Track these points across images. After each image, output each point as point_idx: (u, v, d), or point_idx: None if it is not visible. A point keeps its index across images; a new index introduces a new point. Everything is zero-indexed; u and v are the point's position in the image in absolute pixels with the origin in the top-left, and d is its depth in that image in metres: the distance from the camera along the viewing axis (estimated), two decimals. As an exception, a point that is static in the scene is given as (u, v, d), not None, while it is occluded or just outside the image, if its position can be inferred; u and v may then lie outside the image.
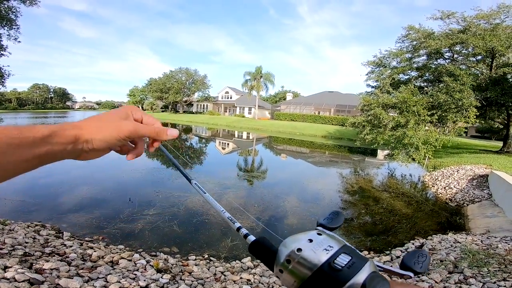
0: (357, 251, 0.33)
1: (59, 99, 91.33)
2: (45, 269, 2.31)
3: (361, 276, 0.29)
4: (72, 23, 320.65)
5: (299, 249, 0.32)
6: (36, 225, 4.01)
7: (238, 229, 0.50)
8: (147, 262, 3.11)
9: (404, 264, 0.33)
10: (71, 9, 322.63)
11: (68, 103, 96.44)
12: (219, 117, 47.39)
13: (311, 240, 0.33)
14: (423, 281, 2.84)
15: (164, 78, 55.71)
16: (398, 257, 3.78)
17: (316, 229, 0.37)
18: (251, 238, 0.44)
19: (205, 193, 0.58)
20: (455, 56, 16.29)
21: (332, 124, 35.64)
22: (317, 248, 0.32)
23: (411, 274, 0.31)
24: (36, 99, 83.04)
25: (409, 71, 17.60)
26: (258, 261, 3.71)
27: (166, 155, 0.79)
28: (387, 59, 17.47)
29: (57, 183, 7.05)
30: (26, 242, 2.93)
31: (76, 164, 9.89)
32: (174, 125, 35.02)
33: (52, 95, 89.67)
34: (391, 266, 0.32)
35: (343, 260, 0.31)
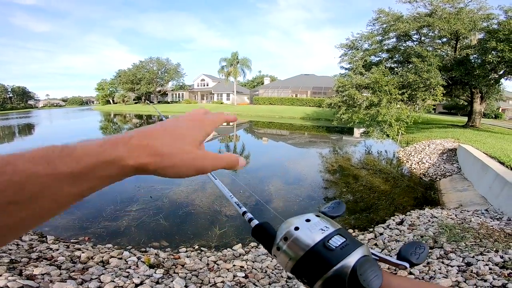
0: (352, 236, 0.33)
1: (20, 99, 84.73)
2: (36, 274, 2.24)
3: (352, 259, 0.29)
4: (24, 18, 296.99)
5: (297, 228, 0.33)
6: (16, 231, 3.82)
7: (244, 213, 0.49)
8: (138, 258, 3.10)
9: (401, 254, 0.33)
10: (21, 3, 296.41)
11: (31, 102, 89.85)
12: (196, 105, 46.39)
13: (308, 220, 0.34)
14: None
15: (134, 69, 53.24)
16: (381, 234, 3.94)
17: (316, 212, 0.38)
18: (255, 222, 0.44)
19: (216, 179, 0.58)
20: (423, 38, 17.09)
21: (310, 106, 36.19)
22: (314, 227, 0.33)
23: (407, 265, 0.32)
24: (-7, 100, 76.50)
25: (380, 53, 18.28)
26: (249, 247, 3.82)
27: None
28: (359, 41, 17.95)
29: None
30: (10, 249, 2.81)
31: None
32: (149, 117, 33.91)
33: (11, 95, 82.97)
34: (390, 256, 0.33)
35: (337, 241, 0.31)
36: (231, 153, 0.39)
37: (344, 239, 0.31)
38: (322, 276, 0.29)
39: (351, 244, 0.31)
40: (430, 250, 3.12)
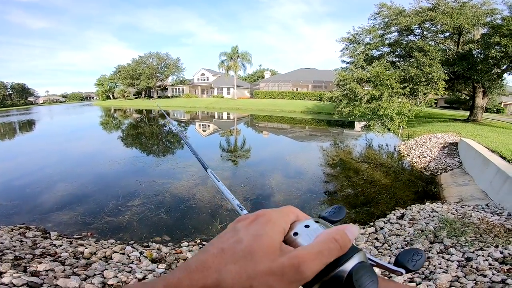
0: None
1: (19, 95, 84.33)
2: (40, 271, 2.27)
3: (349, 264, 0.29)
4: (21, 15, 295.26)
5: (296, 233, 0.33)
6: (20, 227, 3.87)
7: None
8: (141, 253, 3.13)
9: (398, 261, 0.33)
10: (17, 0, 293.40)
11: (31, 99, 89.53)
12: (197, 99, 46.28)
13: (307, 226, 0.34)
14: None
15: (133, 64, 52.78)
16: (381, 228, 3.95)
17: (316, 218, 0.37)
18: None
19: (218, 181, 0.57)
20: (425, 32, 17.01)
21: (310, 99, 36.10)
22: (312, 233, 0.33)
23: (403, 271, 0.32)
24: (-8, 97, 76.19)
25: (382, 47, 18.22)
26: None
27: (186, 143, 0.80)
28: (360, 35, 17.88)
29: (32, 182, 6.72)
30: (14, 246, 2.84)
31: (49, 160, 9.46)
32: (149, 111, 33.88)
33: (10, 92, 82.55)
34: (388, 262, 0.33)
35: None
36: (335, 229, 0.31)
37: None
38: (319, 281, 0.29)
39: (349, 250, 0.31)
40: (430, 245, 3.12)
